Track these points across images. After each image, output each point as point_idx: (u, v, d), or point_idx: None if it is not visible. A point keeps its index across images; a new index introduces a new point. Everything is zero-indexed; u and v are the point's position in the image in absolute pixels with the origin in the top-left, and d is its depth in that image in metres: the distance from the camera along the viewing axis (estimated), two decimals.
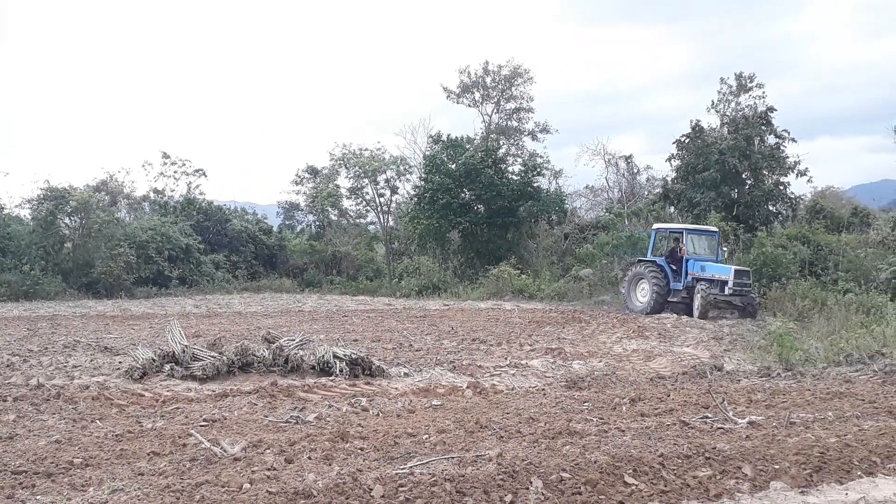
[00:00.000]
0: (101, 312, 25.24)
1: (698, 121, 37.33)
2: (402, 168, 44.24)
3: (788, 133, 36.83)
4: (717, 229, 27.30)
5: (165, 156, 43.34)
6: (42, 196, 34.36)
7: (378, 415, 9.74)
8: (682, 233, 26.05)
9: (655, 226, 28.33)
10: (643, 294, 25.72)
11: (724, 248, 26.43)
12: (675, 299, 25.35)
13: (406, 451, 7.51)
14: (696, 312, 24.00)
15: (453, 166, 38.90)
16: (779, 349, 14.95)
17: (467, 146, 41.18)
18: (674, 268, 25.46)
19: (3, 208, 35.74)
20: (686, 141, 37.15)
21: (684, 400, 10.59)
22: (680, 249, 25.70)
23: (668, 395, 11.05)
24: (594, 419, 9.24)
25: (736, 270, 24.03)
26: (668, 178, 39.76)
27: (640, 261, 26.85)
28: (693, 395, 11.05)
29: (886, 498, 5.79)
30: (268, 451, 7.58)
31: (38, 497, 6.08)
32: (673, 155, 37.95)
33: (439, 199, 37.91)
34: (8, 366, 13.15)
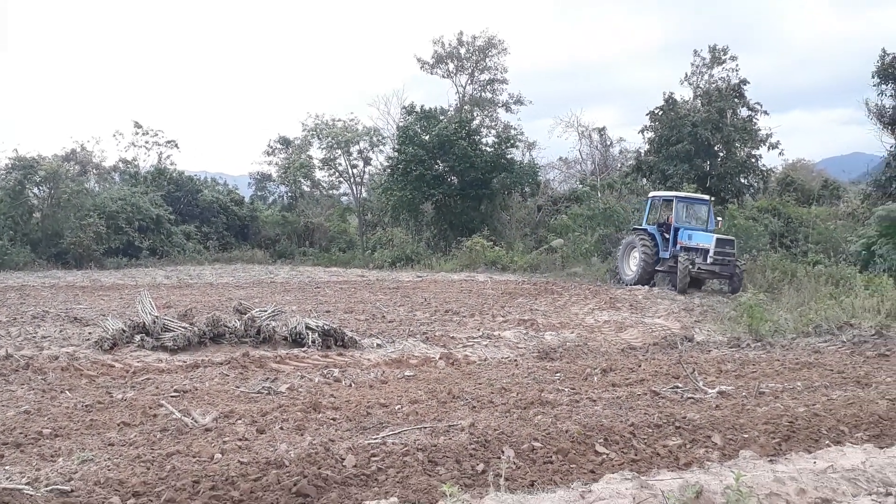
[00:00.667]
0: (70, 283, 24.99)
1: (671, 93, 37.50)
2: (375, 139, 44.04)
3: (761, 106, 37.11)
4: (709, 198, 26.25)
5: (137, 125, 42.90)
6: (10, 165, 33.87)
7: (350, 385, 9.73)
8: (672, 200, 25.49)
9: (651, 194, 27.66)
10: (634, 263, 25.40)
11: (719, 218, 25.48)
12: (662, 269, 24.96)
13: (378, 422, 7.50)
14: (677, 284, 23.51)
15: (427, 137, 38.76)
16: (749, 320, 15.08)
17: (441, 117, 41.03)
18: (666, 237, 25.06)
19: None
20: (659, 113, 37.29)
21: (655, 370, 10.66)
22: (668, 217, 25.31)
23: (639, 366, 11.12)
24: (566, 389, 9.28)
25: (718, 239, 23.30)
26: (642, 151, 39.89)
27: (634, 229, 26.57)
28: (664, 365, 11.12)
29: (854, 466, 5.86)
30: (239, 421, 7.54)
31: (6, 468, 6.01)
32: (646, 127, 38.11)
33: (413, 170, 37.79)
34: None
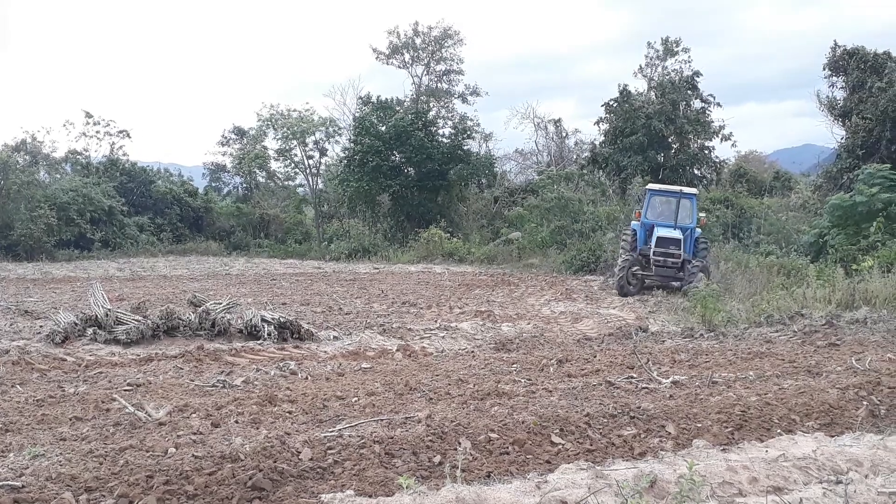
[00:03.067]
0: (20, 276, 24.60)
1: (626, 85, 37.75)
2: (331, 130, 43.80)
3: (714, 98, 37.51)
4: (694, 191, 23.58)
5: (88, 115, 42.07)
6: None
7: (307, 378, 9.69)
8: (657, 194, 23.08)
9: (648, 186, 25.12)
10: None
11: (702, 214, 22.51)
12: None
13: (335, 414, 7.48)
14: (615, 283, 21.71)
15: (383, 128, 38.66)
16: (702, 311, 15.26)
17: (397, 108, 40.92)
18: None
19: None
20: (614, 105, 37.53)
21: (610, 361, 10.74)
22: (635, 213, 23.57)
23: (595, 357, 11.19)
24: (522, 380, 9.32)
25: (659, 238, 21.20)
26: (597, 143, 40.16)
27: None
28: (619, 355, 11.21)
29: (805, 455, 5.96)
30: (194, 415, 7.48)
31: None
32: (601, 119, 38.33)
33: (369, 161, 37.67)
34: None
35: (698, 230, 22.14)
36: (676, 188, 23.51)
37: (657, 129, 34.83)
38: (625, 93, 37.31)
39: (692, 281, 19.76)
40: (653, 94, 37.90)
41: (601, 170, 38.49)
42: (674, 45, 39.01)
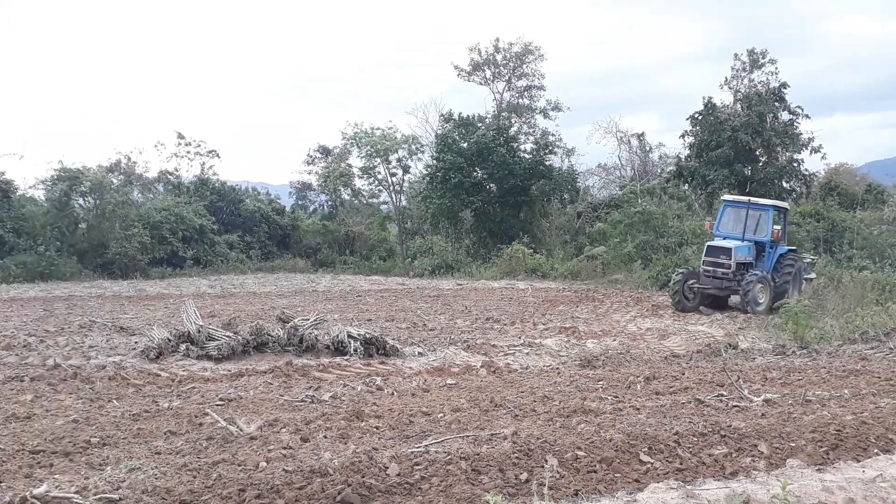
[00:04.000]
0: (116, 293, 25.36)
1: (711, 98, 37.12)
2: (413, 147, 44.07)
3: (802, 109, 36.57)
4: (768, 202, 21.79)
5: (180, 136, 43.23)
6: (56, 177, 34.36)
7: (393, 394, 9.77)
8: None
9: (723, 197, 23.89)
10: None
11: (776, 227, 20.62)
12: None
13: (421, 430, 7.53)
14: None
15: (465, 145, 38.74)
16: (794, 327, 14.90)
17: (479, 125, 40.99)
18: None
19: (17, 189, 35.78)
20: (699, 118, 36.95)
21: (699, 378, 10.58)
22: (706, 225, 23.08)
23: (683, 374, 11.04)
24: (609, 398, 9.25)
25: (708, 248, 20.74)
26: (682, 156, 39.56)
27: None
28: (708, 373, 11.03)
29: None
30: (284, 429, 7.62)
31: (56, 476, 6.13)
32: (686, 132, 37.78)
33: (451, 178, 37.80)
34: (25, 346, 13.24)
35: (786, 247, 21.36)
36: (745, 199, 22.46)
37: (744, 142, 34.14)
38: (710, 105, 36.70)
39: (748, 290, 19.46)
40: (739, 106, 37.18)
41: (687, 183, 37.89)
42: (760, 56, 38.22)
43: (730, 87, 39.46)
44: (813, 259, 22.87)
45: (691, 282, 20.56)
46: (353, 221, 46.26)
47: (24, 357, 12.22)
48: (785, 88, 36.58)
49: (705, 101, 36.88)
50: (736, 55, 39.19)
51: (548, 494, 5.39)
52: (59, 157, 36.83)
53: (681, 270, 21.27)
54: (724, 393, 9.37)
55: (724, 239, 20.86)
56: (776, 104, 36.15)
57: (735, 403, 8.78)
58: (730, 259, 20.08)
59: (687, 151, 38.38)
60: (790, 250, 21.45)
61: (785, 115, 36.47)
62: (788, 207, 22.66)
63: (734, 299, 20.78)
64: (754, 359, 12.89)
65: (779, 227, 20.86)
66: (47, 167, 35.45)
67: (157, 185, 42.98)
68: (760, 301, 19.78)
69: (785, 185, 36.79)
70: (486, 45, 46.23)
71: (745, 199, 22.28)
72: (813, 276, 21.73)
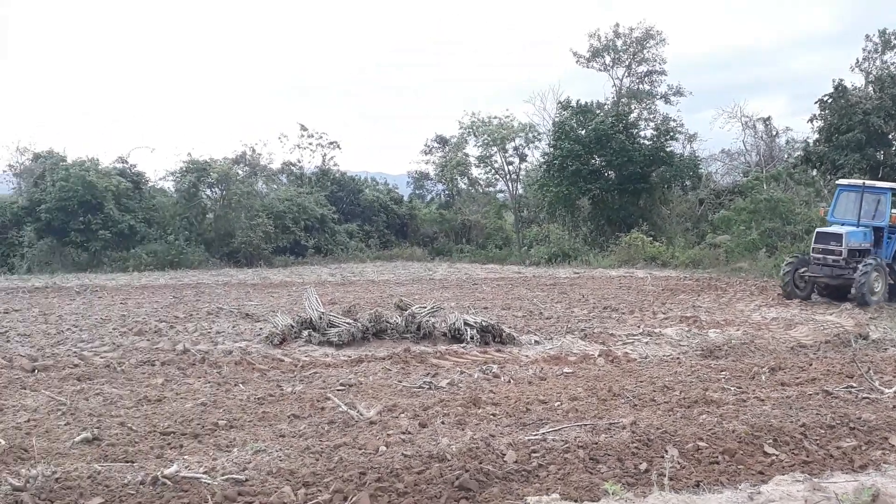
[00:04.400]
0: (241, 281, 26.20)
1: (841, 80, 35.52)
2: (530, 135, 43.85)
3: None
4: (886, 185, 20.17)
5: (303, 128, 44.29)
6: (185, 169, 35.70)
7: (509, 381, 9.78)
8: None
9: (838, 182, 22.55)
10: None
11: (893, 212, 19.26)
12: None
13: (538, 418, 7.51)
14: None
15: (583, 132, 38.31)
16: None
17: (597, 112, 40.46)
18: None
19: (148, 181, 37.36)
20: (828, 101, 35.47)
21: (827, 369, 10.22)
22: (820, 211, 22.22)
23: (810, 365, 10.68)
24: (732, 388, 9.02)
25: (817, 234, 19.71)
26: (810, 141, 38.07)
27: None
28: (836, 364, 10.64)
29: None
30: (402, 415, 7.73)
31: (185, 457, 6.38)
32: (815, 116, 36.33)
33: (569, 165, 37.46)
34: (156, 332, 13.84)
35: None
36: (860, 182, 20.74)
37: (876, 126, 32.54)
38: (840, 88, 35.13)
39: (863, 279, 18.08)
40: (871, 88, 35.50)
41: (815, 169, 36.46)
42: (893, 36, 36.44)
43: (861, 70, 37.78)
44: None
45: (802, 269, 19.66)
46: (469, 210, 46.45)
47: (155, 342, 12.77)
48: None
49: (835, 83, 35.37)
50: (867, 36, 37.52)
51: (668, 485, 5.30)
52: (187, 150, 38.17)
53: (791, 258, 20.43)
54: (854, 384, 9.02)
55: (842, 226, 19.62)
56: None
57: (865, 395, 8.44)
58: (840, 245, 18.97)
59: (815, 136, 36.91)
60: None
61: None
62: None
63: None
64: (886, 349, 12.33)
65: (895, 212, 19.39)
66: (176, 159, 36.92)
67: (280, 176, 44.15)
68: (876, 290, 18.53)
69: None
70: (605, 31, 45.59)
71: (860, 182, 20.73)
72: None
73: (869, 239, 19.54)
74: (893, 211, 19.28)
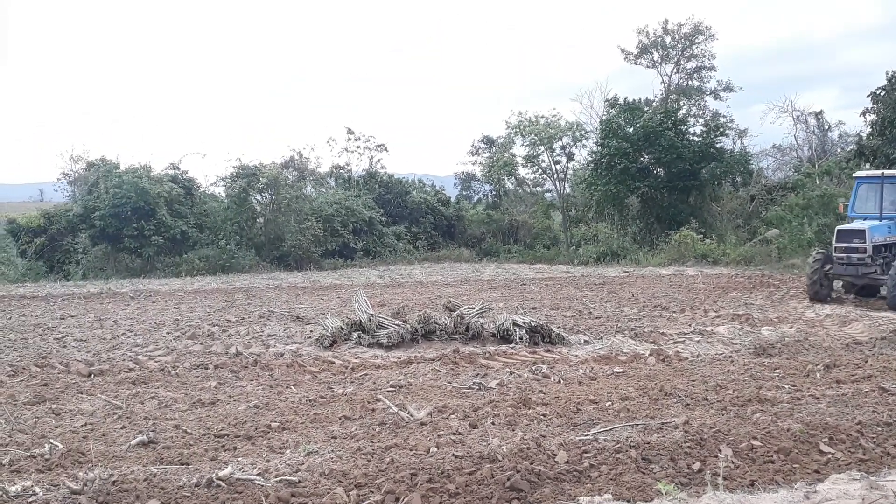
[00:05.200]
0: (292, 284, 26.43)
1: (894, 72, 34.86)
2: (577, 134, 43.65)
3: None
4: None
5: (350, 132, 44.62)
6: (235, 174, 36.12)
7: (559, 382, 9.74)
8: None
9: (856, 174, 21.18)
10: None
11: None
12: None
13: (589, 418, 7.48)
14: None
15: (631, 130, 38.01)
16: None
17: (645, 109, 40.14)
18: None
19: (200, 186, 37.88)
20: (881, 94, 34.77)
21: (883, 366, 10.03)
22: (839, 206, 20.44)
23: (866, 362, 10.50)
24: (786, 386, 8.90)
25: (838, 232, 18.28)
26: (863, 134, 37.36)
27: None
28: (893, 360, 10.47)
29: None
30: (452, 416, 7.74)
31: (239, 459, 6.46)
32: (867, 109, 35.63)
33: (617, 164, 37.19)
34: (209, 335, 14.02)
35: None
36: (878, 172, 19.39)
37: None
38: (893, 80, 34.46)
39: (893, 283, 16.68)
40: None
41: (868, 163, 35.76)
42: None
43: None
44: None
45: (828, 268, 18.30)
46: (516, 210, 46.35)
47: (208, 346, 12.95)
48: None
49: (888, 75, 34.68)
50: None
51: (722, 484, 5.25)
52: (238, 156, 38.65)
53: (818, 254, 18.73)
54: None
55: (864, 220, 18.34)
56: None
57: None
58: (864, 242, 17.57)
59: (868, 129, 36.21)
60: None
61: None
62: None
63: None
64: None
65: None
66: (227, 165, 37.37)
67: (328, 180, 44.50)
68: None
69: None
70: (654, 27, 45.27)
71: (879, 172, 19.35)
72: None
73: (894, 232, 18.35)
74: None
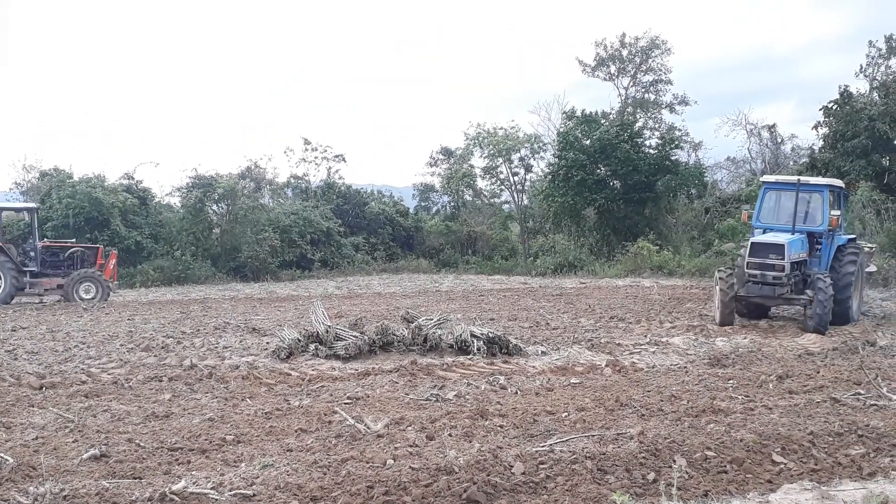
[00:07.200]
0: (248, 295, 26.21)
1: (846, 86, 35.57)
2: (536, 146, 44.01)
3: None
4: (823, 181, 17.59)
5: (307, 142, 44.55)
6: (191, 184, 35.88)
7: (516, 393, 9.76)
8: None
9: (763, 178, 20.01)
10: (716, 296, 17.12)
11: (835, 213, 16.36)
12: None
13: (546, 429, 7.51)
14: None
15: (588, 142, 38.39)
16: None
17: (602, 121, 40.56)
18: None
19: (154, 197, 37.52)
20: (833, 108, 35.48)
21: (835, 376, 10.20)
22: (742, 215, 18.76)
23: (818, 372, 10.66)
24: (739, 397, 9.01)
25: (752, 245, 16.12)
26: (815, 147, 38.09)
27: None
28: (844, 371, 10.63)
29: None
30: (409, 428, 7.72)
31: (193, 473, 6.38)
32: (819, 122, 36.33)
33: (574, 175, 37.51)
34: (163, 347, 13.84)
35: (845, 236, 17.41)
36: (794, 178, 17.66)
37: (882, 132, 32.52)
38: (845, 94, 35.16)
39: (827, 308, 15.07)
40: (876, 94, 35.52)
41: (821, 176, 36.44)
42: None
43: (865, 75, 37.90)
44: (871, 248, 18.60)
45: (739, 289, 16.27)
46: (475, 221, 46.54)
47: (162, 358, 12.78)
48: None
49: (840, 89, 35.41)
50: (871, 42, 37.71)
51: (676, 495, 5.30)
52: (193, 165, 38.41)
53: (725, 274, 16.57)
54: (862, 391, 9.01)
55: (771, 232, 16.62)
56: None
57: (873, 402, 8.43)
58: (783, 259, 15.56)
59: (821, 142, 36.92)
60: (849, 240, 17.44)
61: None
62: (844, 186, 18.24)
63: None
64: (893, 356, 12.28)
65: (837, 213, 16.48)
66: (182, 175, 37.10)
67: (286, 190, 44.34)
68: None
69: None
70: (611, 41, 45.77)
71: (794, 178, 17.58)
72: (873, 268, 18.70)
73: (805, 248, 16.45)
74: (833, 213, 16.44)
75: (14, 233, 26.29)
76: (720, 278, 16.44)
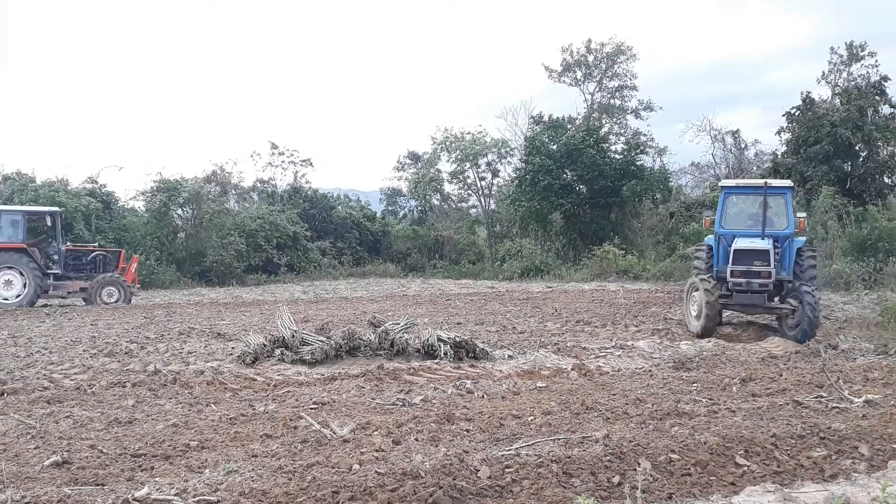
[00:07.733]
0: (213, 300, 26.02)
1: (808, 93, 36.15)
2: (503, 151, 44.17)
3: None
4: (786, 184, 17.07)
5: (273, 146, 44.39)
6: (155, 188, 35.57)
7: (483, 397, 9.78)
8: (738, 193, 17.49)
9: (722, 183, 19.56)
10: (694, 303, 16.27)
11: (801, 216, 16.17)
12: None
13: (512, 433, 7.52)
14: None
15: (554, 147, 38.60)
16: None
17: (569, 126, 40.83)
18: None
19: (118, 201, 37.14)
20: (796, 114, 36.01)
21: (797, 379, 10.32)
22: (704, 221, 17.82)
23: (781, 375, 10.78)
24: (703, 400, 9.09)
25: (736, 252, 15.64)
26: (778, 153, 38.63)
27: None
28: (807, 374, 10.76)
29: None
30: (376, 432, 7.70)
31: (156, 479, 6.31)
32: (783, 128, 36.86)
33: (540, 180, 37.68)
34: (126, 353, 13.68)
35: (801, 238, 16.79)
36: (760, 181, 17.08)
37: (843, 138, 33.06)
38: (808, 101, 35.72)
39: (814, 315, 14.69)
40: (837, 101, 36.09)
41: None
42: (859, 49, 37.18)
43: (828, 82, 38.49)
44: (814, 251, 17.46)
45: (722, 298, 15.80)
46: (442, 226, 46.59)
47: (125, 363, 12.62)
48: (886, 81, 35.43)
49: (803, 96, 35.95)
50: (832, 49, 38.31)
51: (641, 498, 5.33)
52: (157, 169, 38.11)
53: (705, 283, 15.80)
54: (824, 394, 9.13)
55: (746, 238, 15.95)
56: (877, 98, 35.00)
57: (835, 405, 8.55)
58: (768, 265, 15.31)
59: (784, 148, 37.45)
60: (805, 242, 17.20)
61: (886, 109, 35.25)
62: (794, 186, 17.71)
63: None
64: (855, 359, 12.48)
65: (804, 216, 16.29)
66: (147, 179, 36.79)
67: (252, 194, 44.11)
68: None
69: (886, 180, 35.52)
70: (577, 46, 46.09)
71: (761, 182, 16.92)
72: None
73: (775, 253, 15.86)
74: (799, 216, 16.17)
75: (37, 236, 25.94)
76: (706, 289, 15.56)
